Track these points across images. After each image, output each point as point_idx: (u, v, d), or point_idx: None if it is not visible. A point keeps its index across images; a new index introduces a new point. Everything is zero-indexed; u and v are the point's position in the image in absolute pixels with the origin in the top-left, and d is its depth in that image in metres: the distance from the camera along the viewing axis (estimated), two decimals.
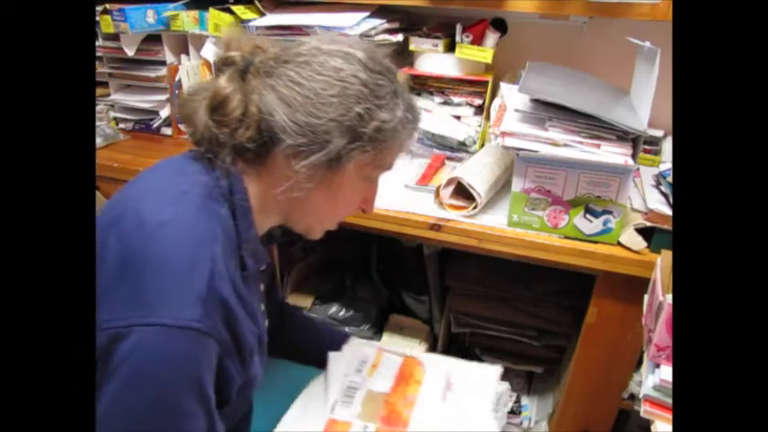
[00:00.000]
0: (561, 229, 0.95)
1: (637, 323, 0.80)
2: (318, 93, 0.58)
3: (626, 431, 1.22)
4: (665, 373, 0.64)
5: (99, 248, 0.54)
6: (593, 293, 1.00)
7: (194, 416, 0.54)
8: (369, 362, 0.87)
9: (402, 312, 1.49)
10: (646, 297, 0.79)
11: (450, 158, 1.24)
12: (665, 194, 1.02)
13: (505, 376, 1.35)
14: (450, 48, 1.19)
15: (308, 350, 0.95)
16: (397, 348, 0.93)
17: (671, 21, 0.64)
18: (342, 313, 1.41)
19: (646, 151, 1.22)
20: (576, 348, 1.07)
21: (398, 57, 1.31)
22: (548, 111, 0.89)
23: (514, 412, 1.32)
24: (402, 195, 1.09)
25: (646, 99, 0.88)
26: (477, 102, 1.22)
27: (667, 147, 1.23)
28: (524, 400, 1.36)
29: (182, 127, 1.42)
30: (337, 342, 0.93)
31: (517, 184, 0.94)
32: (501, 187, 1.08)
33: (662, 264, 0.74)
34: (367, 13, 1.16)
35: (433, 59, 1.22)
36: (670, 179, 1.01)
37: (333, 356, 0.87)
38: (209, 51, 1.29)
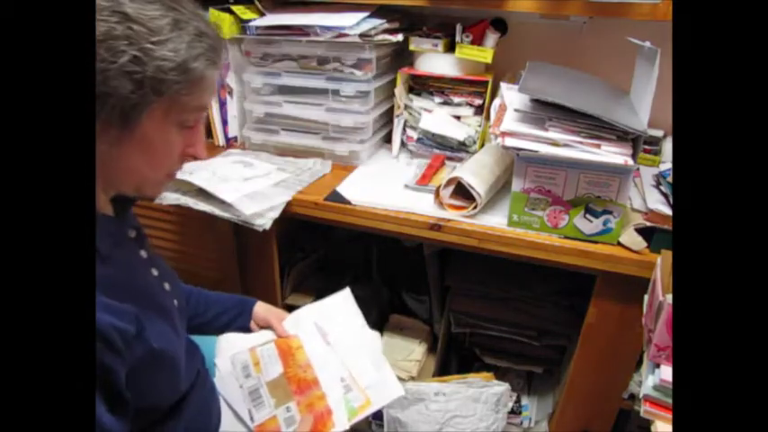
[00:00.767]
0: (561, 229, 0.95)
1: (637, 323, 0.81)
2: (99, 40, 0.50)
3: (626, 431, 1.22)
4: (665, 373, 0.64)
5: None
6: (593, 293, 1.00)
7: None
8: (250, 365, 0.90)
9: (402, 312, 1.49)
10: (646, 297, 0.79)
11: (450, 158, 1.24)
12: (665, 194, 1.02)
13: (505, 376, 1.36)
14: (451, 48, 1.19)
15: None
16: (260, 338, 0.94)
17: (671, 21, 0.64)
18: None
19: (646, 151, 1.22)
20: (576, 348, 1.07)
21: (398, 57, 1.31)
22: (548, 111, 0.89)
23: (514, 412, 1.32)
24: (402, 195, 1.09)
25: (646, 99, 0.88)
26: (477, 102, 1.22)
27: (667, 147, 1.23)
28: (524, 400, 1.36)
29: None
30: (244, 306, 0.95)
31: (517, 184, 0.94)
32: (501, 187, 1.08)
33: (662, 264, 0.74)
34: (367, 13, 1.16)
35: (433, 59, 1.22)
36: (670, 179, 1.01)
37: (218, 380, 0.88)
38: None
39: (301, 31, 1.16)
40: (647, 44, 0.88)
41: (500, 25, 1.17)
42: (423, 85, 1.26)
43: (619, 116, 0.86)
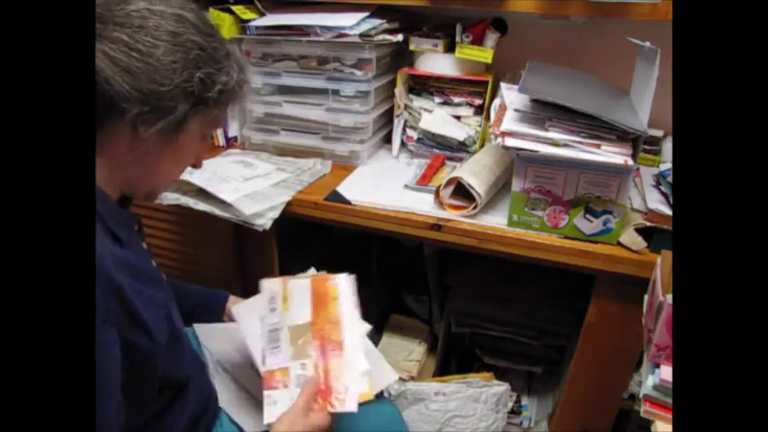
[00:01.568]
0: (561, 229, 0.95)
1: (637, 323, 0.80)
2: (160, 59, 0.56)
3: (626, 431, 1.22)
4: (665, 373, 0.64)
5: None
6: (593, 293, 1.00)
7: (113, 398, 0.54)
8: (278, 297, 0.82)
9: (402, 312, 1.49)
10: (646, 297, 0.79)
11: (450, 158, 1.24)
12: (665, 194, 1.02)
13: (505, 376, 1.36)
14: (450, 48, 1.19)
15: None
16: (299, 274, 0.89)
17: (671, 21, 0.64)
18: None
19: (646, 151, 1.22)
20: (576, 348, 1.07)
21: (398, 57, 1.31)
22: (548, 111, 0.89)
23: (514, 412, 1.32)
24: (402, 195, 1.09)
25: (646, 99, 0.88)
26: (477, 102, 1.22)
27: (667, 147, 1.23)
28: (524, 400, 1.36)
29: None
30: (213, 297, 0.95)
31: (517, 184, 0.94)
32: (501, 187, 1.08)
33: (662, 264, 0.74)
34: (367, 13, 1.16)
35: (433, 59, 1.22)
36: (670, 179, 1.01)
37: (240, 308, 0.84)
38: None
39: (301, 31, 1.16)
40: (647, 44, 0.88)
41: (500, 25, 1.17)
42: (423, 85, 1.26)
43: (619, 116, 0.86)
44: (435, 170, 1.18)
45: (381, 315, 1.50)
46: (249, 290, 1.25)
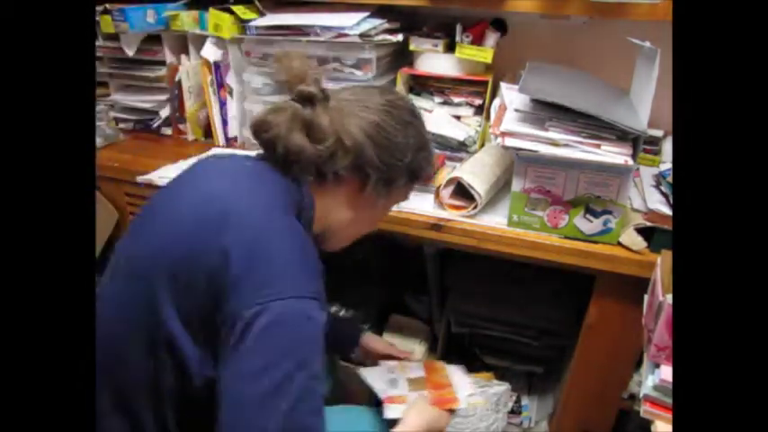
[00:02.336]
0: (561, 229, 0.95)
1: (637, 323, 0.80)
2: (399, 141, 0.72)
3: (626, 431, 1.22)
4: (665, 373, 0.64)
5: (208, 239, 0.60)
6: (593, 293, 1.00)
7: (320, 378, 0.61)
8: (396, 367, 1.00)
9: (402, 312, 1.49)
10: (646, 297, 0.79)
11: (450, 158, 1.24)
12: (665, 194, 1.02)
13: (505, 376, 1.36)
14: (450, 48, 1.19)
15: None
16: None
17: (671, 21, 0.64)
18: (342, 313, 1.41)
19: (646, 151, 1.22)
20: (576, 348, 1.07)
21: (398, 57, 1.31)
22: (548, 111, 0.89)
23: (514, 412, 1.32)
24: None
25: (646, 99, 0.88)
26: (477, 102, 1.22)
27: (667, 147, 1.22)
28: (524, 400, 1.36)
29: (181, 127, 1.42)
30: (351, 334, 1.07)
31: (517, 184, 0.94)
32: (501, 187, 1.08)
33: (662, 264, 0.74)
34: (367, 13, 1.16)
35: (433, 59, 1.22)
36: (670, 179, 1.01)
37: (364, 371, 0.99)
38: (210, 51, 1.29)
39: (301, 31, 1.16)
40: (647, 44, 0.88)
41: (500, 25, 1.17)
42: (423, 85, 1.26)
43: (619, 116, 0.86)
44: (435, 170, 1.18)
45: (381, 315, 1.49)
46: None
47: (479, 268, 1.32)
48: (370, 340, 1.07)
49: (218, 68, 1.30)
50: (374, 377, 0.97)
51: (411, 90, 1.28)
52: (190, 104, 1.37)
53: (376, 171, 0.71)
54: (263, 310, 0.56)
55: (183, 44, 1.35)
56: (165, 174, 1.15)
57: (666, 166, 1.14)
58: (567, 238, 0.95)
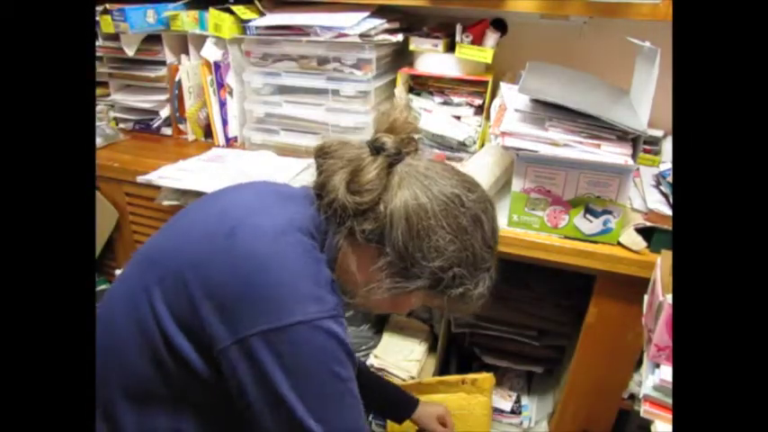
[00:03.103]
0: (561, 229, 0.95)
1: (637, 323, 0.80)
2: (437, 240, 0.60)
3: (626, 431, 1.22)
4: (665, 373, 0.64)
5: (209, 254, 0.58)
6: (593, 293, 1.00)
7: (352, 380, 0.59)
8: None
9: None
10: (646, 297, 0.79)
11: (450, 158, 1.24)
12: (665, 194, 1.02)
13: (505, 376, 1.36)
14: (450, 48, 1.19)
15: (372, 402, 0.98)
16: None
17: (671, 21, 0.64)
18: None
19: (646, 151, 1.22)
20: (576, 348, 1.07)
21: (398, 57, 1.31)
22: (548, 111, 0.89)
23: (514, 412, 1.32)
24: None
25: (646, 99, 0.88)
26: (477, 102, 1.22)
27: (667, 147, 1.22)
28: (524, 400, 1.36)
29: (181, 127, 1.42)
30: (404, 402, 1.02)
31: (517, 184, 0.94)
32: (501, 187, 1.08)
33: (662, 264, 0.74)
34: (367, 13, 1.16)
35: (433, 59, 1.22)
36: (670, 179, 1.01)
37: None
38: (210, 51, 1.29)
39: (301, 31, 1.16)
40: (647, 44, 0.88)
41: (500, 25, 1.17)
42: (423, 85, 1.26)
43: (619, 116, 0.86)
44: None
45: (381, 315, 1.49)
46: None
47: None
48: (423, 415, 1.03)
49: (218, 68, 1.30)
50: None
51: (411, 90, 1.28)
52: (190, 104, 1.37)
53: (394, 254, 0.61)
54: (275, 336, 0.55)
55: (183, 44, 1.35)
56: (165, 174, 1.15)
57: (666, 166, 1.14)
58: (567, 238, 0.95)
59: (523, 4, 1.05)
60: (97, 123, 1.38)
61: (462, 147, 1.22)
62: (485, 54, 1.15)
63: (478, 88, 1.22)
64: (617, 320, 0.99)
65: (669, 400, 0.64)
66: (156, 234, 0.69)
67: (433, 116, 1.23)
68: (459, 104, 1.23)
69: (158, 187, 1.13)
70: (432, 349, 1.43)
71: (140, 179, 1.15)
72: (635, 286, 0.90)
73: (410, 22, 1.31)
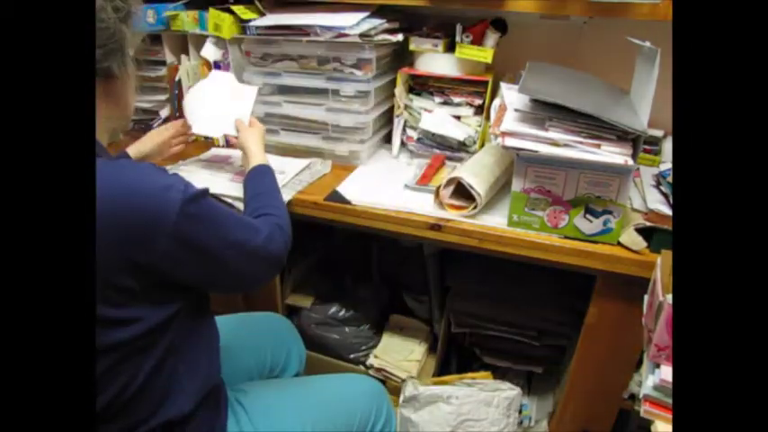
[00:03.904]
0: (561, 229, 0.95)
1: (637, 323, 0.80)
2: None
3: (626, 431, 1.22)
4: (665, 373, 0.64)
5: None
6: (593, 293, 1.00)
7: None
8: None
9: (402, 312, 1.49)
10: (646, 297, 0.79)
11: (450, 158, 1.24)
12: (665, 194, 1.02)
13: (505, 376, 1.36)
14: (450, 48, 1.19)
15: None
16: None
17: (671, 21, 0.64)
18: (342, 313, 1.41)
19: (646, 151, 1.22)
20: (576, 348, 1.07)
21: (398, 57, 1.31)
22: (548, 111, 0.89)
23: None
24: (402, 195, 1.09)
25: (646, 99, 0.88)
26: (477, 102, 1.22)
27: (667, 147, 1.23)
28: (524, 400, 1.36)
29: None
30: None
31: (517, 184, 0.94)
32: (501, 187, 1.08)
33: (662, 264, 0.74)
34: (367, 13, 1.16)
35: (433, 59, 1.22)
36: (670, 179, 1.01)
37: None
38: (210, 51, 1.29)
39: (301, 31, 1.16)
40: (647, 44, 0.88)
41: (500, 25, 1.17)
42: (423, 85, 1.26)
43: (619, 116, 0.86)
44: (435, 170, 1.18)
45: (381, 315, 1.49)
46: (248, 291, 1.24)
47: (479, 268, 1.32)
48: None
49: (218, 68, 1.30)
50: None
51: (411, 90, 1.28)
52: None
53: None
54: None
55: (183, 44, 1.35)
56: None
57: (666, 166, 1.14)
58: (567, 238, 0.96)
59: (523, 4, 1.05)
60: None
61: (462, 147, 1.22)
62: (485, 54, 1.15)
63: (478, 88, 1.22)
64: (617, 320, 0.99)
65: (669, 400, 0.64)
66: None
67: (433, 116, 1.23)
68: (459, 104, 1.23)
69: None
70: (432, 349, 1.43)
71: None
72: (635, 286, 0.90)
73: (410, 22, 1.31)
